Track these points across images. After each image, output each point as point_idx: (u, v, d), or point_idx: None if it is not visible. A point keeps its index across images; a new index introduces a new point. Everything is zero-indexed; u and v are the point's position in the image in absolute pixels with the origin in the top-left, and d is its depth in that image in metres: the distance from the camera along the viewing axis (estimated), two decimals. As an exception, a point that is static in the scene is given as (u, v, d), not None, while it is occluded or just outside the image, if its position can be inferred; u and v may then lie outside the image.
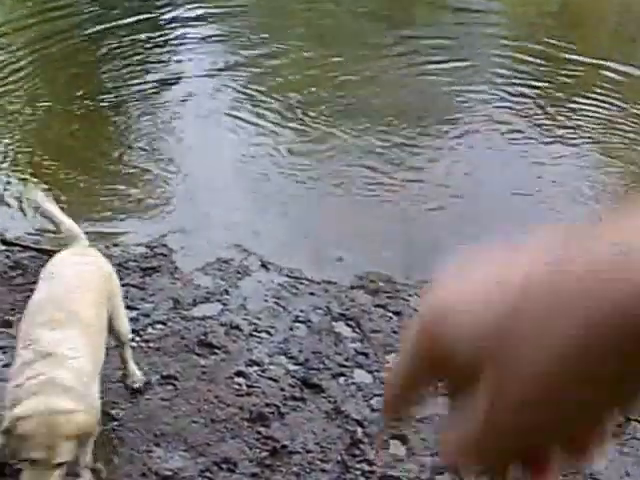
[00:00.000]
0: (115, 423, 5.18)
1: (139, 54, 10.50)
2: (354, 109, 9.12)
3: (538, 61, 10.54)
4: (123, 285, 6.15)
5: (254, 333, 5.96)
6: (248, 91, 9.54)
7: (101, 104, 9.27)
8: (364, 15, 12.05)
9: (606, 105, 9.46)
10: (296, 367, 5.70)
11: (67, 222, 5.10)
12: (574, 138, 8.87)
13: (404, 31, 11.27)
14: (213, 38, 11.13)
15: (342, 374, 5.69)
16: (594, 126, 9.12)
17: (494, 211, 7.53)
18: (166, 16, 11.73)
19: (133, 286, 6.28)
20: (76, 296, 4.56)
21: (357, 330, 6.09)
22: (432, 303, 0.86)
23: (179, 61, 10.48)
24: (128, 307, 5.99)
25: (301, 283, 6.46)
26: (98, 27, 11.15)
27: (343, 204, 7.48)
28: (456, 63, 10.44)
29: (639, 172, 8.34)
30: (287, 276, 6.55)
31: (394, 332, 6.11)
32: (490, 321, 0.81)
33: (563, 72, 10.31)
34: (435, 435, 5.29)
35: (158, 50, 10.71)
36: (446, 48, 10.84)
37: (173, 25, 11.49)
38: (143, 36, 10.97)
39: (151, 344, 5.77)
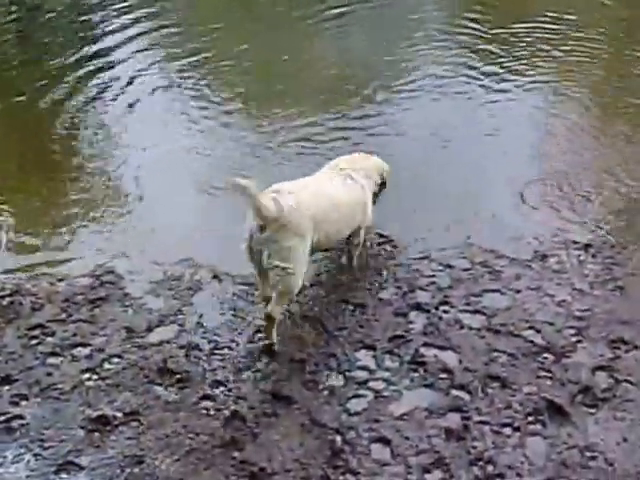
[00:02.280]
0: (82, 474, 4.85)
1: (79, 59, 10.24)
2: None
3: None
4: (72, 322, 5.87)
5: (215, 351, 5.66)
6: (188, 94, 9.34)
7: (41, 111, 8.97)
8: None
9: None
10: (264, 381, 5.42)
11: None
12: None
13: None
14: (148, 37, 10.87)
15: (313, 381, 5.41)
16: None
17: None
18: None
19: (83, 321, 5.95)
20: None
21: (322, 331, 5.80)
22: None
23: (121, 62, 10.20)
24: (80, 344, 5.70)
25: (257, 289, 6.15)
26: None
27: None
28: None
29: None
30: (241, 284, 6.26)
31: (360, 326, 5.84)
32: None
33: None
34: (419, 433, 5.05)
35: (100, 54, 10.42)
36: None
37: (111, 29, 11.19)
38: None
39: (109, 380, 5.44)
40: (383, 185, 6.69)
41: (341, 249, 6.53)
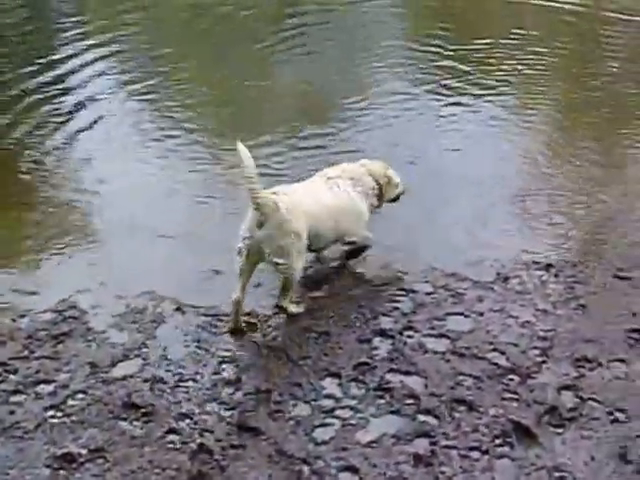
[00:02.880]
0: (47, 514, 4.81)
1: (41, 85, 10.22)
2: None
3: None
4: (35, 358, 5.81)
5: (180, 384, 5.61)
6: (147, 123, 9.33)
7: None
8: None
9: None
10: (229, 412, 5.38)
11: None
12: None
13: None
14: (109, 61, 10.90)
15: (279, 411, 5.38)
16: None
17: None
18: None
19: (46, 357, 5.87)
20: None
21: (287, 360, 5.78)
22: None
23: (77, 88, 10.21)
24: (43, 381, 5.64)
25: (220, 320, 6.14)
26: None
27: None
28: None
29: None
30: (204, 315, 6.23)
31: (325, 354, 5.83)
32: None
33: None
34: (387, 460, 5.03)
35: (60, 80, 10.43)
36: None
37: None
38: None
39: (74, 417, 5.37)
40: (383, 192, 6.87)
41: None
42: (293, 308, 6.26)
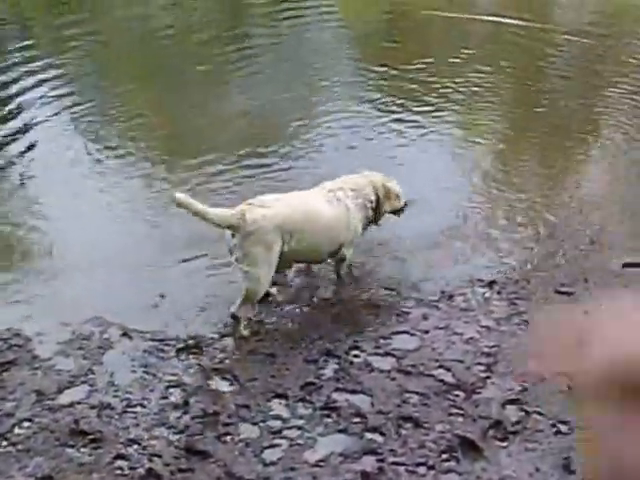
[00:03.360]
0: None
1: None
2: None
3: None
4: (-20, 388, 5.78)
5: (127, 409, 5.62)
6: (97, 152, 9.28)
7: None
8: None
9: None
10: (177, 436, 5.40)
11: None
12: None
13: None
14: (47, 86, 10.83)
15: (227, 433, 5.42)
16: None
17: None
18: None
19: (-9, 386, 5.86)
20: None
21: (234, 382, 5.83)
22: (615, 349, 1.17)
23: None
24: (-12, 410, 5.61)
25: (167, 345, 6.17)
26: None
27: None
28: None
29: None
30: (151, 340, 6.25)
31: (272, 376, 5.88)
32: None
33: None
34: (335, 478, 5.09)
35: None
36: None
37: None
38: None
39: (20, 446, 5.36)
40: (380, 204, 6.89)
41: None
42: (243, 329, 6.34)
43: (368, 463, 5.20)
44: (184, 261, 7.17)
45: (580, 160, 9.50)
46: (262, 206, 6.26)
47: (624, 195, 8.69)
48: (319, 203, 6.57)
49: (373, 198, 6.84)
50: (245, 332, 6.32)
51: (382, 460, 5.22)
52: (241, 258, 6.22)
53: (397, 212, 7.12)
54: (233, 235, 6.20)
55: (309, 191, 6.76)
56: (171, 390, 5.77)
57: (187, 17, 13.67)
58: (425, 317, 6.51)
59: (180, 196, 6.14)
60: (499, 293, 6.82)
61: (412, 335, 6.32)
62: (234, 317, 6.37)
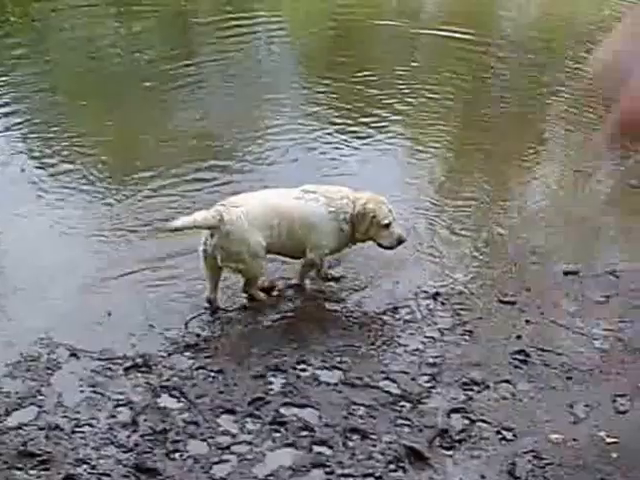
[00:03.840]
0: None
1: None
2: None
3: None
4: None
5: (76, 429, 5.66)
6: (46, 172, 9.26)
7: None
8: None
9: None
10: (126, 455, 5.45)
11: None
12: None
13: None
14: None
15: (176, 450, 5.49)
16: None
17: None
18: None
19: (-62, 410, 5.87)
20: None
21: (182, 399, 5.91)
22: None
23: None
24: (-64, 439, 5.62)
25: (115, 363, 6.23)
26: None
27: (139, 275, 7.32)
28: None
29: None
30: (99, 359, 6.30)
31: (220, 392, 5.97)
32: None
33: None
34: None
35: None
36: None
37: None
38: None
39: (-32, 470, 5.40)
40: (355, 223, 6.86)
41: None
42: (260, 294, 6.93)
43: (317, 476, 5.31)
44: (129, 274, 7.24)
45: (524, 171, 9.71)
46: (236, 206, 6.62)
47: (567, 205, 8.91)
48: (287, 200, 6.79)
49: (349, 211, 6.84)
50: (261, 296, 6.95)
51: (330, 473, 5.33)
52: (225, 257, 6.63)
53: (382, 245, 6.96)
54: (212, 235, 6.59)
55: (280, 189, 6.99)
56: (119, 409, 5.83)
57: (133, 36, 13.69)
58: (370, 330, 6.65)
59: (176, 224, 6.60)
60: (443, 304, 6.99)
61: (357, 348, 6.45)
62: (247, 294, 6.94)
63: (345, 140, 9.95)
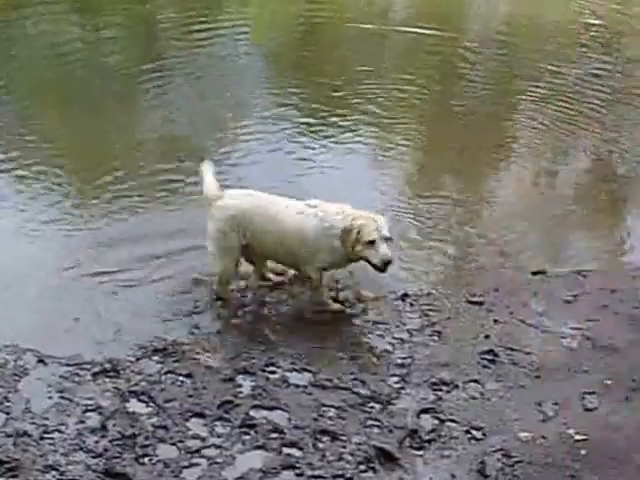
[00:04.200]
0: None
1: None
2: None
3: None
4: None
5: (45, 436, 5.68)
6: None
7: None
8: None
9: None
10: (96, 460, 5.48)
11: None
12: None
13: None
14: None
15: (145, 454, 5.52)
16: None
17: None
18: None
19: None
20: None
21: (151, 404, 5.94)
22: None
23: None
24: None
25: (82, 369, 6.25)
26: None
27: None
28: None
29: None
30: (67, 365, 6.32)
31: (189, 396, 6.01)
32: None
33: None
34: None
35: None
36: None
37: None
38: None
39: None
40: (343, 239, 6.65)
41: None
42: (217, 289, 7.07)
43: (287, 478, 5.37)
44: (96, 277, 7.27)
45: (494, 170, 9.84)
46: (231, 197, 6.89)
47: (535, 205, 9.03)
48: (282, 209, 6.81)
49: (340, 227, 6.66)
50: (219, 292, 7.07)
51: (301, 474, 5.39)
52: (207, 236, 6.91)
53: (371, 264, 6.66)
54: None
55: (286, 198, 6.97)
56: (88, 414, 5.85)
57: (97, 39, 13.68)
58: (339, 332, 6.72)
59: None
60: (412, 305, 7.08)
61: (327, 350, 6.52)
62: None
63: (313, 140, 10.03)
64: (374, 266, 6.59)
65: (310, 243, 6.76)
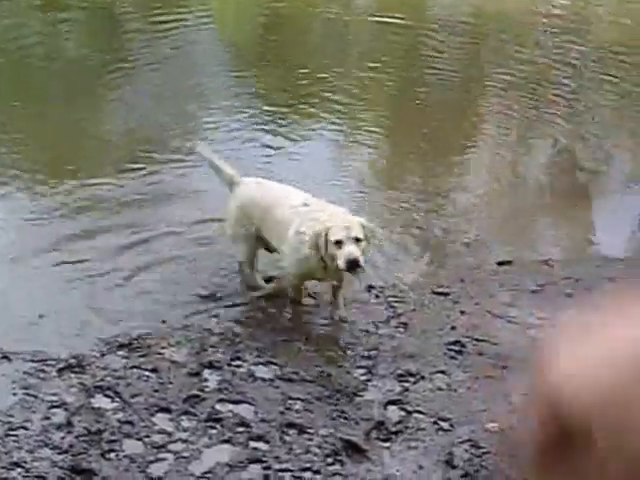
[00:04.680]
0: None
1: None
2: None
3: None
4: None
5: (9, 432, 5.70)
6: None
7: None
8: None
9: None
10: (62, 456, 5.51)
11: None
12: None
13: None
14: None
15: (111, 450, 5.57)
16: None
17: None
18: None
19: None
20: None
21: (117, 399, 5.99)
22: (553, 375, 1.03)
23: None
24: None
25: (48, 365, 6.28)
26: None
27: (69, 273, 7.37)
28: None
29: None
30: (32, 361, 6.34)
31: (155, 391, 6.06)
32: (605, 392, 0.95)
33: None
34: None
35: None
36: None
37: None
38: None
39: None
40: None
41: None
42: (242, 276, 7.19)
43: (254, 472, 5.43)
44: (59, 270, 7.29)
45: (460, 160, 9.94)
46: (247, 184, 7.02)
47: (501, 195, 9.15)
48: (282, 201, 6.78)
49: (316, 230, 6.43)
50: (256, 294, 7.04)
51: (268, 468, 5.45)
52: None
53: (339, 267, 6.37)
54: None
55: (294, 191, 6.96)
56: (53, 410, 5.88)
57: (58, 32, 13.64)
58: (305, 324, 6.79)
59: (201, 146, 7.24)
60: (377, 297, 7.16)
61: (292, 343, 6.59)
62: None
63: (278, 127, 10.08)
64: (341, 269, 6.36)
65: (288, 243, 6.71)
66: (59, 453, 5.54)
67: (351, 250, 6.25)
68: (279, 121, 10.34)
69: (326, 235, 6.34)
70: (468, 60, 12.91)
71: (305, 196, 6.81)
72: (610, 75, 12.01)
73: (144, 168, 8.99)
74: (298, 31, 14.23)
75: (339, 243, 6.29)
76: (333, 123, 10.46)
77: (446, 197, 9.01)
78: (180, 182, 8.74)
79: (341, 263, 6.28)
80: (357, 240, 6.31)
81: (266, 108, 10.66)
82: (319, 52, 12.90)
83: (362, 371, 6.32)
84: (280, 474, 5.41)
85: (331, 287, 6.93)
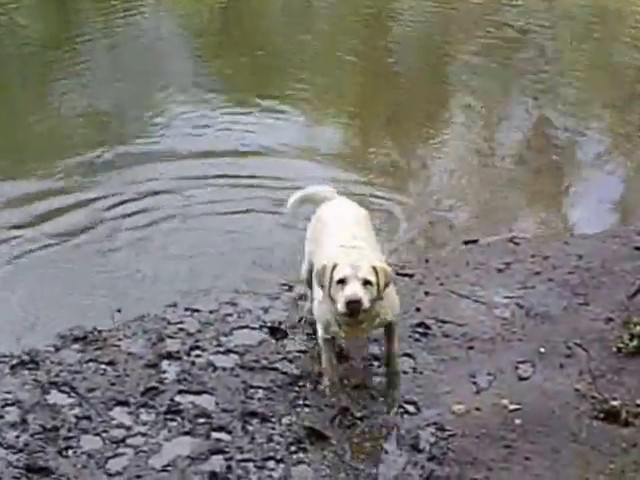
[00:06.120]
0: None
1: None
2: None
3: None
4: None
5: (-38, 433, 5.76)
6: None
7: None
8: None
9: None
10: (17, 455, 5.54)
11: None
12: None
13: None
14: None
15: (68, 447, 5.61)
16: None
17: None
18: None
19: None
20: None
21: (73, 394, 6.03)
22: None
23: None
24: None
25: (0, 362, 6.31)
26: None
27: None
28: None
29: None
30: (-16, 358, 6.38)
31: (112, 384, 6.10)
32: None
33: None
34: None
35: None
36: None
37: None
38: None
39: None
40: None
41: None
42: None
43: (216, 463, 5.49)
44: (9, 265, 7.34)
45: (427, 138, 10.04)
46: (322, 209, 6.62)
47: (466, 174, 9.25)
48: (333, 233, 6.19)
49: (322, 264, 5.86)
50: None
51: (230, 458, 5.51)
52: None
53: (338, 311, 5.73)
54: None
55: (354, 225, 6.34)
56: (7, 409, 5.91)
57: (16, 11, 13.59)
58: (265, 310, 6.87)
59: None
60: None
61: (253, 329, 6.66)
62: None
63: (243, 114, 10.14)
64: (341, 312, 5.68)
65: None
66: (14, 452, 5.57)
67: (354, 290, 5.60)
68: (243, 101, 10.41)
69: (332, 270, 5.71)
70: (437, 31, 12.95)
71: (350, 233, 6.14)
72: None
73: (111, 163, 9.02)
74: (260, 11, 14.22)
75: (342, 282, 5.67)
76: (299, 101, 10.52)
77: (412, 175, 9.10)
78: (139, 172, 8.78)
79: (340, 305, 5.64)
80: (366, 283, 5.67)
81: (231, 91, 10.73)
82: (283, 30, 13.03)
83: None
84: (243, 464, 5.48)
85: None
